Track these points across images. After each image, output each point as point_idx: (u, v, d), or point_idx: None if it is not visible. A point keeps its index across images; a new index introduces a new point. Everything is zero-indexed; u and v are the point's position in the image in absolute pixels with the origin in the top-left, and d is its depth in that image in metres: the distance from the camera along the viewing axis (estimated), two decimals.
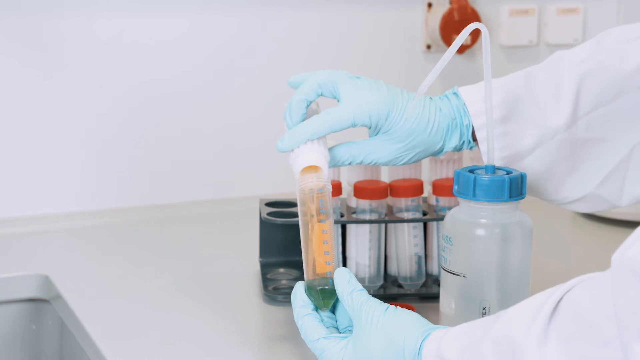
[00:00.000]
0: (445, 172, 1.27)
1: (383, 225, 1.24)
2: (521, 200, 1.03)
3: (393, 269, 1.27)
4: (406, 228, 1.23)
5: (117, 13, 1.54)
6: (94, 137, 1.56)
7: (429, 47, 1.71)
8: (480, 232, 1.02)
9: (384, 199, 1.22)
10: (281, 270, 1.30)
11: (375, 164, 1.09)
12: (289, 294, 1.04)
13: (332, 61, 1.67)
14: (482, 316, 1.02)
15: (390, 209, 1.24)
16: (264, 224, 1.29)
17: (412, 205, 1.22)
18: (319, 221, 1.01)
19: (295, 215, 1.03)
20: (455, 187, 1.04)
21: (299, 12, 1.64)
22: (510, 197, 1.02)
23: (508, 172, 1.03)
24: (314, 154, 1.04)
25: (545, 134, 1.08)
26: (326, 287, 1.00)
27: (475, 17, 1.68)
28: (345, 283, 0.98)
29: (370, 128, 1.08)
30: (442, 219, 1.20)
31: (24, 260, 1.38)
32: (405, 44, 1.71)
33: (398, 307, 0.95)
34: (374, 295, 0.97)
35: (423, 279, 1.25)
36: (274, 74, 1.64)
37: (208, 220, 1.57)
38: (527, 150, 1.09)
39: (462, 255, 1.03)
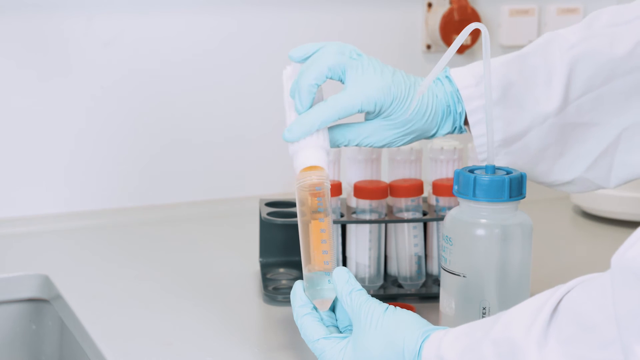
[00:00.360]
0: (445, 172, 1.27)
1: (383, 225, 1.24)
2: (521, 200, 1.03)
3: (393, 269, 1.27)
4: (406, 228, 1.23)
5: (117, 13, 1.54)
6: (94, 137, 1.56)
7: (429, 47, 1.71)
8: (480, 232, 1.02)
9: (384, 199, 1.22)
10: (281, 270, 1.30)
11: (370, 146, 1.08)
12: (289, 294, 1.04)
13: None
14: (482, 316, 1.02)
15: (390, 209, 1.24)
16: (264, 224, 1.29)
17: (412, 205, 1.22)
18: (318, 220, 1.01)
19: (295, 215, 1.03)
20: (455, 187, 1.04)
21: (299, 12, 1.64)
22: (510, 197, 1.01)
23: (508, 172, 1.03)
24: (316, 151, 1.03)
25: (536, 118, 1.08)
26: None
27: (475, 17, 1.68)
28: (344, 283, 0.97)
29: (372, 113, 1.07)
30: (442, 219, 1.20)
31: (24, 260, 1.38)
32: (405, 44, 1.71)
33: (397, 307, 0.94)
34: (373, 295, 0.97)
35: (423, 279, 1.25)
36: (274, 74, 1.63)
37: (208, 220, 1.57)
38: (518, 134, 1.09)
39: (462, 255, 1.03)
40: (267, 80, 1.63)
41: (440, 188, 1.23)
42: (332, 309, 1.00)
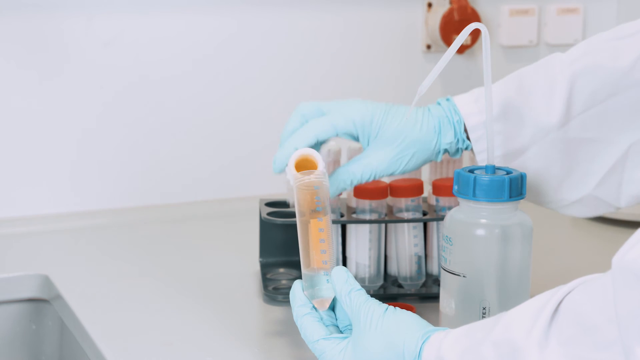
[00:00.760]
0: (445, 172, 1.27)
1: (383, 225, 1.24)
2: (521, 201, 1.03)
3: (393, 269, 1.27)
4: (406, 228, 1.23)
5: (117, 13, 1.54)
6: (94, 137, 1.56)
7: (429, 47, 1.71)
8: (480, 232, 1.02)
9: (384, 199, 1.22)
10: (281, 270, 1.30)
11: (378, 175, 1.10)
12: (289, 293, 1.04)
13: (332, 61, 1.67)
14: (482, 316, 1.02)
15: (390, 209, 1.24)
16: (264, 224, 1.29)
17: (412, 205, 1.22)
18: (316, 219, 1.01)
19: (295, 215, 1.03)
20: (455, 187, 1.04)
21: (299, 12, 1.64)
22: (510, 197, 1.01)
23: (508, 172, 1.03)
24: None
25: (538, 133, 1.08)
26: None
27: (475, 17, 1.68)
28: (343, 282, 0.97)
29: (359, 139, 1.09)
30: (442, 219, 1.20)
31: (24, 260, 1.38)
32: (405, 44, 1.71)
33: (397, 308, 0.94)
34: (373, 295, 0.97)
35: (423, 279, 1.25)
36: (274, 74, 1.64)
37: (208, 220, 1.57)
38: (520, 148, 1.09)
39: (462, 255, 1.03)
40: (268, 79, 1.64)
41: (440, 188, 1.23)
42: (332, 308, 1.00)
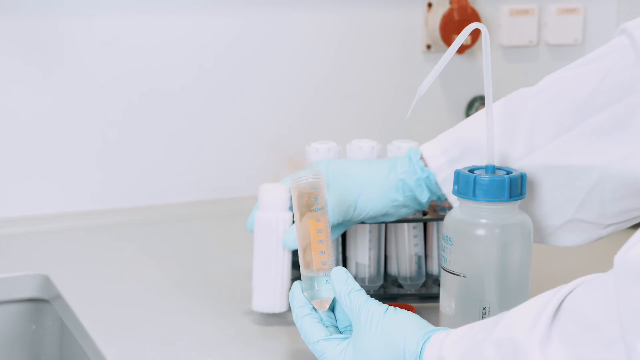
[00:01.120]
0: None
1: (383, 225, 1.24)
2: (521, 201, 1.03)
3: (393, 269, 1.27)
4: (406, 228, 1.23)
5: (117, 13, 1.54)
6: (93, 137, 1.56)
7: (429, 47, 1.71)
8: (480, 232, 1.02)
9: None
10: None
11: (370, 221, 1.14)
12: (289, 294, 1.04)
13: (332, 61, 1.66)
14: (482, 316, 1.02)
15: None
16: None
17: None
18: (314, 219, 1.01)
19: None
20: (455, 187, 1.04)
21: (299, 12, 1.64)
22: (510, 197, 1.01)
23: (508, 172, 1.03)
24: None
25: (503, 163, 1.07)
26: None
27: (475, 17, 1.68)
28: (343, 283, 0.97)
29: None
30: (442, 219, 1.20)
31: (24, 260, 1.38)
32: (405, 44, 1.71)
33: (397, 308, 0.94)
34: (373, 296, 0.97)
35: (423, 279, 1.25)
36: (276, 75, 1.64)
37: (208, 220, 1.56)
38: None
39: (462, 255, 1.03)
40: (270, 80, 1.63)
41: None
42: (332, 309, 1.00)
